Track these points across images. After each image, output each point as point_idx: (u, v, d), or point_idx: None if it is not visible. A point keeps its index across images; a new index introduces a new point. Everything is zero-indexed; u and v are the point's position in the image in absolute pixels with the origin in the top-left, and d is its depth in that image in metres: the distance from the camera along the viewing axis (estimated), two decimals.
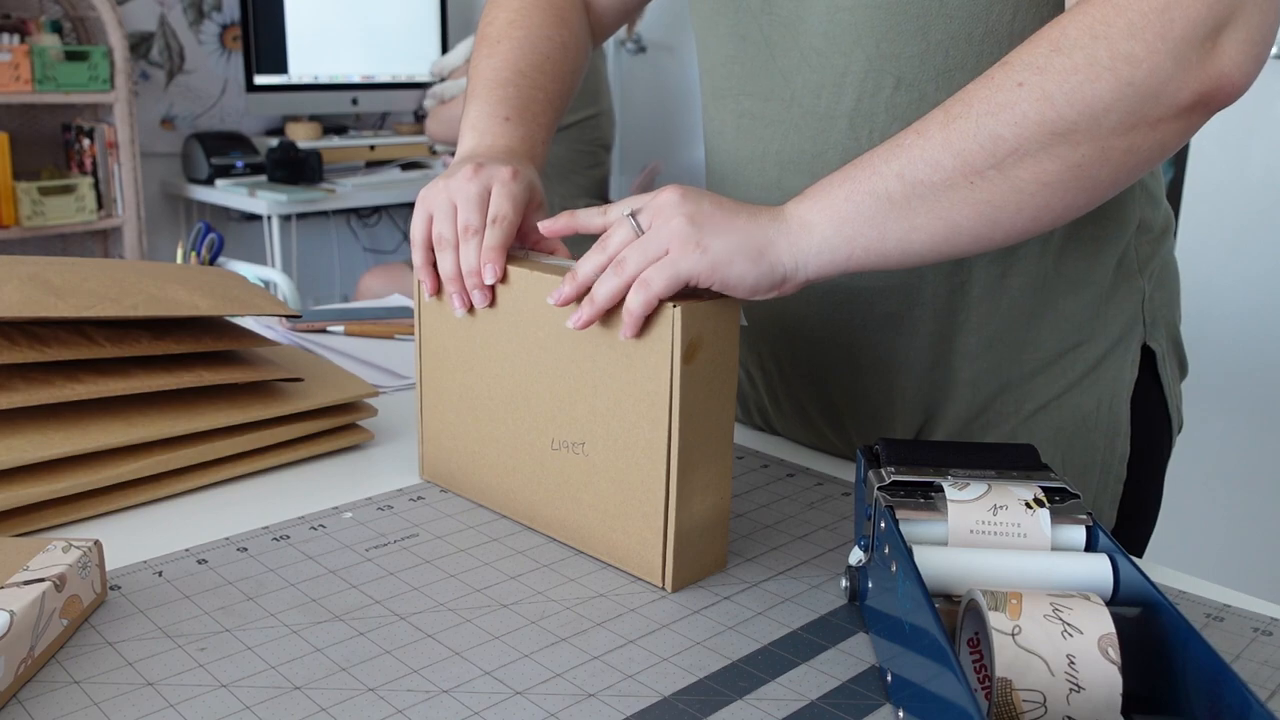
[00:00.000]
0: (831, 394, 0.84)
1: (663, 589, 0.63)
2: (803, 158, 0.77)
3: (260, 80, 3.20)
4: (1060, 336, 0.78)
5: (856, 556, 0.62)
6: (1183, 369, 0.86)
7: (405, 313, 1.23)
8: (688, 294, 0.62)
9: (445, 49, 3.54)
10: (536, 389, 0.69)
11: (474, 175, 0.71)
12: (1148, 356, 0.81)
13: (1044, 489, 0.56)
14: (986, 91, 0.59)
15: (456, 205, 0.71)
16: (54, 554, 0.58)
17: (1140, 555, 0.85)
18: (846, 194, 0.61)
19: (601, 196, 2.53)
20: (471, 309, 0.72)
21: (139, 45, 3.11)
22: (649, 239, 0.61)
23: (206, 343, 0.79)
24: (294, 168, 3.02)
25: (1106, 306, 0.79)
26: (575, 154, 2.60)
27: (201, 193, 3.11)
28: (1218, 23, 0.57)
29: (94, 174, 2.91)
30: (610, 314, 0.63)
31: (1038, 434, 0.79)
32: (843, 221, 0.61)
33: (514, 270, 0.68)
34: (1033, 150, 0.58)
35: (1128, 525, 0.83)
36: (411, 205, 3.17)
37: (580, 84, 0.91)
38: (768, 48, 0.78)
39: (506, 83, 0.82)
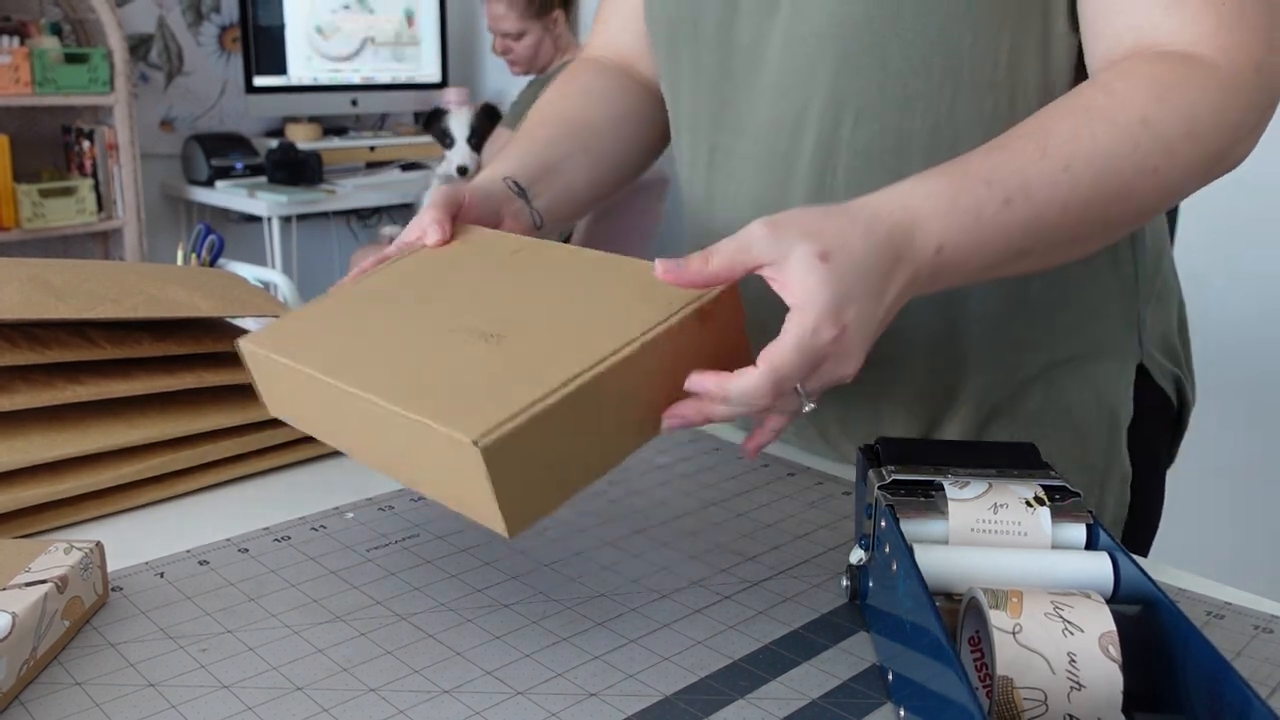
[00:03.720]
0: (828, 414, 0.83)
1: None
2: (768, 200, 0.76)
3: (259, 81, 3.21)
4: (1054, 349, 0.77)
5: (857, 555, 0.62)
6: (1180, 388, 0.85)
7: None
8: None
9: (445, 49, 3.55)
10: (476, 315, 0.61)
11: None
12: (1146, 375, 0.81)
13: (1044, 487, 0.56)
14: (1129, 167, 0.61)
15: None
16: (56, 555, 0.58)
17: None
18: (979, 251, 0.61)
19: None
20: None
21: (138, 47, 3.11)
22: (823, 387, 0.57)
23: (207, 344, 0.79)
24: (294, 169, 3.02)
25: (1099, 320, 0.78)
26: None
27: (201, 194, 3.11)
28: (1267, 113, 0.65)
29: (94, 176, 2.92)
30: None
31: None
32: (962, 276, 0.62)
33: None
34: (1122, 227, 0.66)
35: (1127, 530, 0.83)
36: (412, 205, 3.18)
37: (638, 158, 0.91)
38: (728, 80, 0.77)
39: (534, 129, 0.86)
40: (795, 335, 0.54)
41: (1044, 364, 0.78)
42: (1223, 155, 0.64)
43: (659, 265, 0.58)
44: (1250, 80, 0.63)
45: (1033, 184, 0.60)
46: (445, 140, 2.73)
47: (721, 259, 0.56)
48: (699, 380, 0.56)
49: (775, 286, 0.55)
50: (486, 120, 2.70)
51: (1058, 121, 0.62)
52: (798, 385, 0.55)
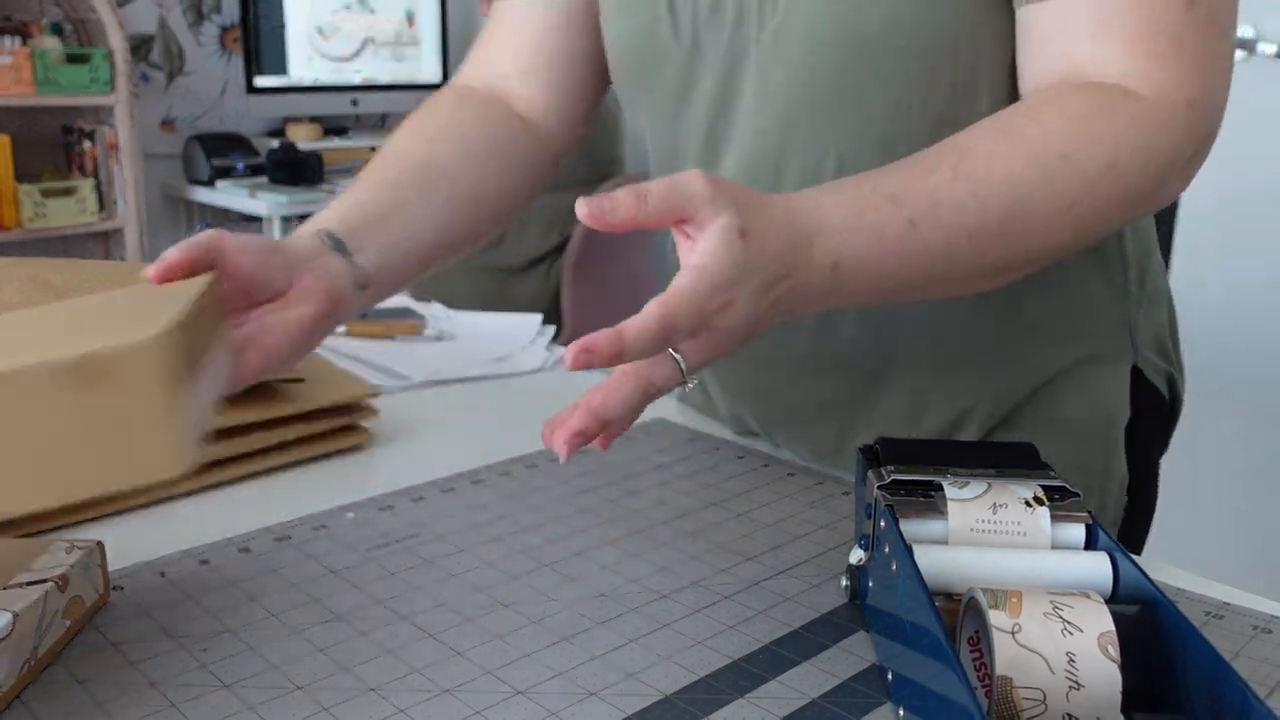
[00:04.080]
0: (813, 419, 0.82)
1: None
2: None
3: (260, 82, 3.21)
4: (1050, 362, 0.77)
5: (857, 555, 0.62)
6: (1172, 383, 0.85)
7: (406, 313, 1.23)
8: None
9: (446, 50, 3.55)
10: None
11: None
12: (1139, 375, 0.81)
13: (1044, 487, 0.56)
14: (1042, 200, 0.59)
15: None
16: (56, 555, 0.58)
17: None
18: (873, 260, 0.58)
19: None
20: None
21: (139, 47, 3.11)
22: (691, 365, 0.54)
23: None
24: (294, 169, 3.02)
25: (1093, 329, 0.78)
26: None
27: (202, 194, 3.11)
28: (1201, 148, 0.63)
29: (95, 176, 2.92)
30: None
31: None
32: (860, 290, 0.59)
33: None
34: (1031, 264, 0.64)
35: (1124, 525, 0.83)
36: None
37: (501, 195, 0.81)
38: (699, 127, 0.76)
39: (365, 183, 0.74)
40: (691, 289, 0.51)
41: (1040, 377, 0.78)
42: (1147, 193, 0.62)
43: (583, 205, 0.52)
44: (1181, 117, 0.61)
45: (941, 207, 0.58)
46: None
47: (658, 203, 0.52)
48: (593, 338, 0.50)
49: (685, 243, 0.54)
50: None
51: (977, 142, 0.60)
52: (675, 352, 0.53)
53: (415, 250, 0.73)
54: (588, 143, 0.99)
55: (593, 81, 0.87)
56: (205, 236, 0.61)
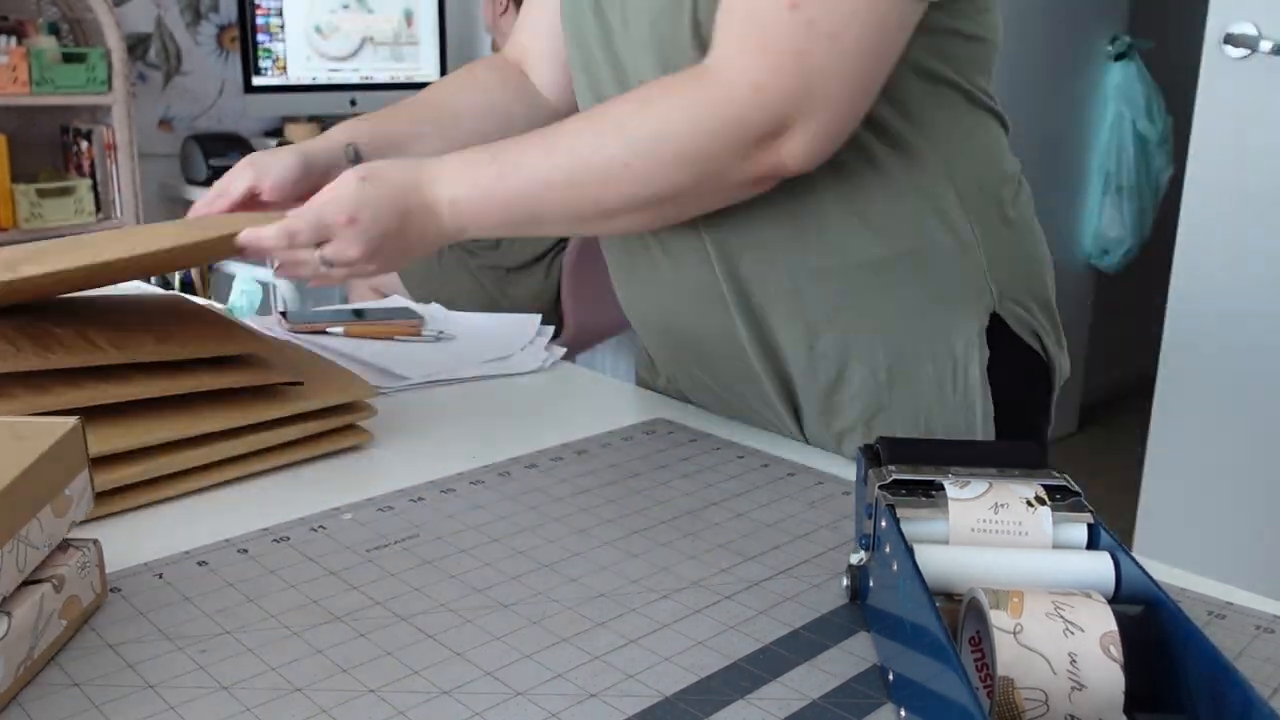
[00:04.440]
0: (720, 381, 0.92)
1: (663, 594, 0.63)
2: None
3: (258, 81, 3.20)
4: (891, 288, 0.83)
5: (857, 555, 0.61)
6: (1051, 336, 0.89)
7: (405, 313, 1.23)
8: None
9: (445, 49, 3.54)
10: None
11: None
12: (1002, 324, 0.84)
13: (1045, 487, 0.56)
14: (599, 160, 0.76)
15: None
16: (53, 555, 0.58)
17: None
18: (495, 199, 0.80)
19: None
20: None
21: (136, 47, 3.11)
22: (333, 259, 0.80)
23: (210, 346, 0.79)
24: None
25: (936, 272, 0.83)
26: None
27: (200, 194, 3.10)
28: (775, 128, 0.73)
29: (92, 176, 2.91)
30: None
31: (897, 401, 0.84)
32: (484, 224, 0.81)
33: None
34: (628, 210, 0.78)
35: None
36: None
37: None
38: (596, 88, 0.87)
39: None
40: (311, 208, 0.78)
41: (895, 314, 0.83)
42: (709, 154, 0.74)
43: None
44: (743, 96, 0.72)
45: (523, 162, 0.78)
46: None
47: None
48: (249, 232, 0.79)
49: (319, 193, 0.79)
50: None
51: (568, 124, 0.79)
52: (314, 249, 0.79)
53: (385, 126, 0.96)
54: None
55: None
56: (240, 178, 0.89)
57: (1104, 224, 3.33)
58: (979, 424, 0.85)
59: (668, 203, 0.78)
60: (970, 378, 0.84)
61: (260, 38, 3.17)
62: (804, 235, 0.82)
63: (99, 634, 0.58)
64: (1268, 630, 0.59)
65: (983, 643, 0.49)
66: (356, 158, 0.88)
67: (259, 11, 3.15)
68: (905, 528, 0.55)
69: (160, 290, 0.95)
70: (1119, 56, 3.26)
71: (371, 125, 0.95)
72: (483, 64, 1.05)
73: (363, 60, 3.42)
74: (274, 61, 3.21)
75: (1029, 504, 0.55)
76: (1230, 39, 1.95)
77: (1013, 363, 0.86)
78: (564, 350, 1.12)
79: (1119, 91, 3.26)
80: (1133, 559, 0.51)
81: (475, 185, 0.79)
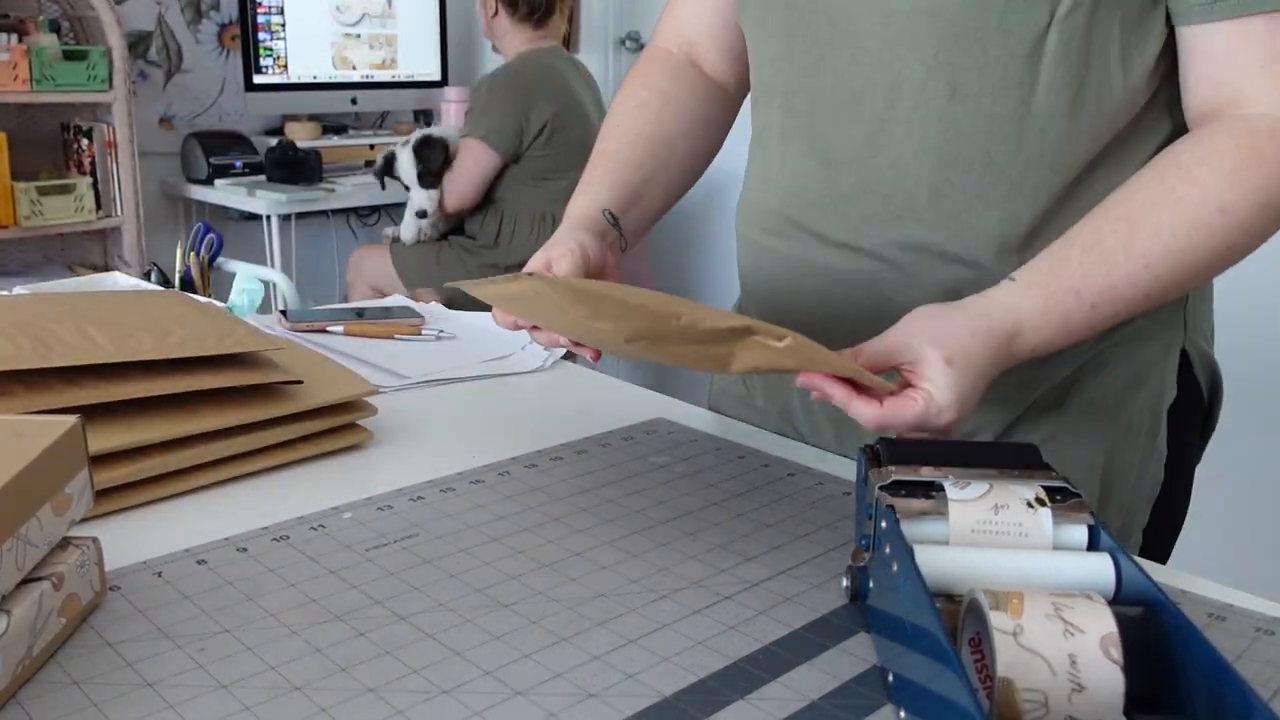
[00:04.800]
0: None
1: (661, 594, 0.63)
2: (854, 159, 0.78)
3: (259, 79, 3.20)
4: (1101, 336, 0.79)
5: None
6: (1214, 379, 0.87)
7: (406, 313, 1.23)
8: None
9: (445, 48, 3.54)
10: None
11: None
12: (1185, 360, 0.82)
13: (1045, 488, 0.56)
14: (1204, 255, 0.69)
15: None
16: (52, 553, 0.58)
17: (1166, 555, 0.86)
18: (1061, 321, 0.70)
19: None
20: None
21: (137, 45, 3.11)
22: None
23: (210, 344, 0.79)
24: (293, 167, 3.01)
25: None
26: (542, 159, 2.58)
27: (200, 192, 3.10)
28: None
29: (92, 174, 2.91)
30: None
31: (1079, 431, 0.81)
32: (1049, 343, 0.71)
33: None
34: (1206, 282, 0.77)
35: (1157, 524, 0.84)
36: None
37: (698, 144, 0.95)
38: (816, 46, 0.79)
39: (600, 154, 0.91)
40: (919, 411, 0.65)
41: (1090, 349, 0.80)
42: None
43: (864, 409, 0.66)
44: None
45: (1118, 287, 0.69)
46: (404, 185, 2.70)
47: (867, 358, 0.68)
48: (857, 403, 0.66)
49: (910, 376, 0.66)
50: (429, 151, 2.65)
51: (1142, 214, 0.69)
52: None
53: (652, 214, 0.91)
54: (589, 138, 1.07)
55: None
56: (581, 260, 0.77)
57: None
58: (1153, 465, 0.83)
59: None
60: (1157, 418, 0.82)
61: (261, 36, 3.17)
62: None
63: (98, 632, 0.58)
64: (1268, 632, 0.59)
65: (983, 644, 0.49)
66: (614, 221, 0.85)
67: (260, 10, 3.15)
68: (905, 528, 0.55)
69: (160, 288, 0.93)
70: None
71: (610, 181, 0.88)
72: (657, 72, 0.95)
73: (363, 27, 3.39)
74: (275, 60, 3.21)
75: (1029, 505, 0.55)
76: None
77: (1184, 399, 0.84)
78: (564, 350, 1.12)
79: None
80: (1133, 560, 0.51)
81: (1065, 326, 0.70)
